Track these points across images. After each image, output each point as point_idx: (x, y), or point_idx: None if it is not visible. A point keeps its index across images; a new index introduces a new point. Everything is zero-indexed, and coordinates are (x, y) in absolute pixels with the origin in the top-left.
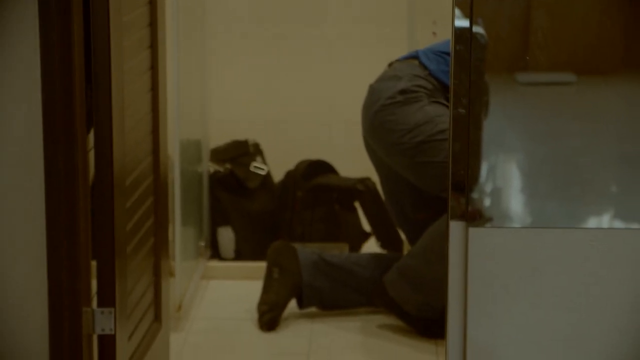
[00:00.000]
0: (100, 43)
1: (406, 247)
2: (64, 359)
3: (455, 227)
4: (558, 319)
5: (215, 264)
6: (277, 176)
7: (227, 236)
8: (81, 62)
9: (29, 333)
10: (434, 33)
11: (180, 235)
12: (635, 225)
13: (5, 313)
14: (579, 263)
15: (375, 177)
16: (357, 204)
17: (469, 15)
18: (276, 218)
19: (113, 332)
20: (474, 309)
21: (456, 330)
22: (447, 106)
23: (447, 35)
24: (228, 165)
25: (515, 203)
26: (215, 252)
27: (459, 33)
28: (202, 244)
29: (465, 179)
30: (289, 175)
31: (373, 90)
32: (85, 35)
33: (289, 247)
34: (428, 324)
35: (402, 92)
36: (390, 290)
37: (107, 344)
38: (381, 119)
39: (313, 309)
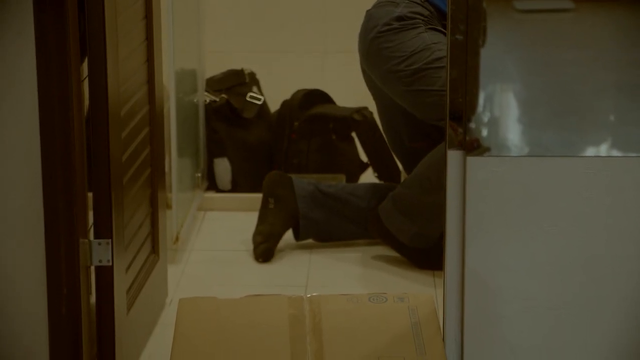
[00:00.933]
0: None
1: (403, 177)
2: (62, 290)
3: (453, 156)
4: (555, 247)
5: (211, 195)
6: (274, 106)
7: (223, 167)
8: None
9: (26, 265)
10: None
11: (177, 166)
12: (632, 154)
13: (1, 247)
14: (576, 191)
15: (372, 107)
16: (354, 134)
17: None
18: (272, 148)
19: (110, 264)
20: (471, 238)
21: (454, 260)
22: (444, 33)
23: None
24: (224, 95)
25: (513, 132)
26: (211, 184)
27: None
28: (199, 175)
29: (463, 107)
30: (285, 105)
31: (370, 16)
32: None
33: (284, 177)
34: (422, 254)
35: (399, 18)
36: (385, 220)
37: (105, 275)
38: (377, 46)
39: (310, 241)
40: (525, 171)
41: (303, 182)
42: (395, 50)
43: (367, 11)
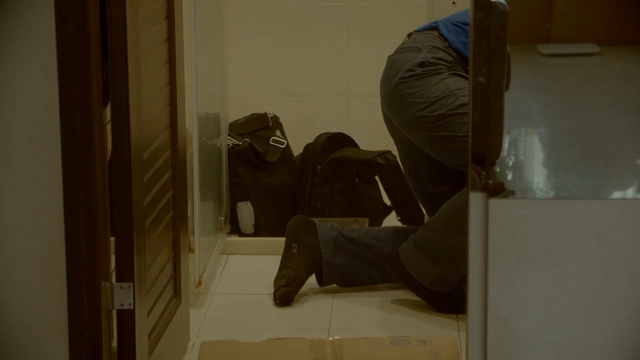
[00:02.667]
0: (116, 15)
1: (426, 221)
2: (83, 334)
3: (476, 199)
4: (579, 290)
5: (234, 239)
6: (297, 150)
7: (246, 211)
8: (97, 35)
9: (48, 309)
10: (454, 3)
11: (200, 210)
12: None
13: (25, 289)
14: (600, 234)
15: (395, 151)
16: (377, 178)
17: None
18: (295, 192)
19: (132, 307)
20: (494, 281)
21: (477, 303)
22: (467, 78)
23: (467, 6)
24: (247, 139)
25: (537, 176)
26: (234, 227)
27: (478, 1)
28: (222, 218)
29: (485, 149)
30: (308, 148)
31: (392, 62)
32: (100, 7)
33: (308, 221)
34: (442, 298)
35: (422, 64)
36: (405, 261)
37: (127, 318)
38: (400, 92)
39: (333, 285)
40: (548, 213)
41: (326, 226)
42: (419, 96)
43: (389, 57)
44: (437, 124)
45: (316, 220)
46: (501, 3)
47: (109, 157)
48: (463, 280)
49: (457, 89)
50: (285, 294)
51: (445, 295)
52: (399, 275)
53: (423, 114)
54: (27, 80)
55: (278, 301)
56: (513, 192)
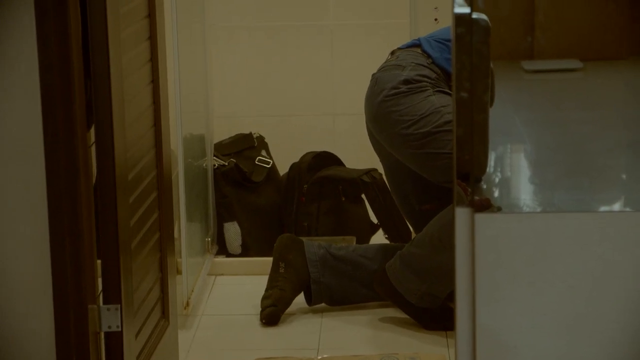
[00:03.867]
0: (98, 36)
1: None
2: (71, 356)
3: (462, 214)
4: (566, 303)
5: (222, 259)
6: (283, 169)
7: (233, 231)
8: (79, 56)
9: (35, 332)
10: (436, 19)
11: (186, 231)
12: None
13: (11, 313)
14: (587, 247)
15: (381, 168)
16: (363, 196)
17: None
18: (282, 212)
19: (120, 329)
20: (482, 297)
21: (465, 318)
22: (451, 95)
23: (449, 22)
24: (233, 159)
25: (523, 191)
26: (222, 248)
27: (459, 17)
28: (209, 239)
29: (470, 165)
30: (294, 167)
31: (376, 80)
32: (82, 28)
33: (295, 240)
34: (429, 314)
35: (406, 81)
36: (392, 278)
37: (114, 341)
38: (385, 110)
39: (322, 304)
40: (534, 227)
41: (314, 245)
42: (404, 114)
43: (373, 75)
44: (423, 141)
45: (304, 239)
46: (483, 19)
47: (94, 178)
48: (450, 296)
49: (442, 106)
50: (271, 314)
51: (433, 312)
52: (386, 292)
53: (408, 132)
54: (10, 103)
55: (264, 321)
56: (499, 208)
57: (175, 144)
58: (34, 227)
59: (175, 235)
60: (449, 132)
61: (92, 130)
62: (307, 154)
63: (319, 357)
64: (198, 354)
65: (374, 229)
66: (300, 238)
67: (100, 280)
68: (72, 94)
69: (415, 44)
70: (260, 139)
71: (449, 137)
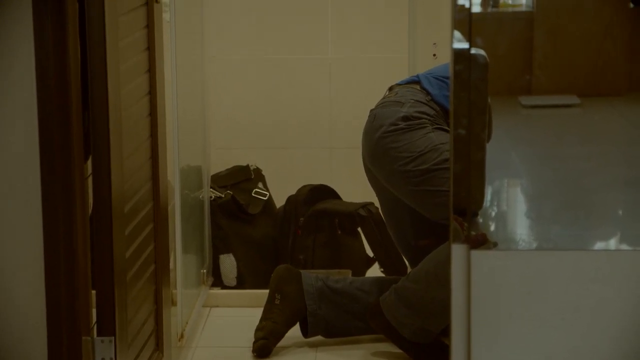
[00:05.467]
0: (97, 67)
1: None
2: None
3: (457, 250)
4: (561, 341)
5: (217, 291)
6: (279, 202)
7: (229, 263)
8: (78, 87)
9: None
10: (435, 55)
11: (182, 262)
12: None
13: (4, 344)
14: (583, 285)
15: (377, 202)
16: (359, 230)
17: (468, 35)
18: (278, 244)
19: None
20: (477, 333)
21: (460, 354)
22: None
23: (447, 59)
24: (229, 191)
25: (519, 226)
26: (217, 280)
27: (458, 53)
28: (204, 271)
29: (466, 201)
30: (291, 200)
31: (375, 116)
32: (81, 59)
33: (293, 271)
34: (422, 349)
35: (405, 118)
36: (386, 311)
37: None
38: (384, 146)
39: (316, 337)
40: (530, 265)
41: (312, 277)
42: (403, 151)
43: (372, 111)
44: (421, 178)
45: (301, 271)
46: (481, 55)
47: (90, 209)
48: (443, 332)
49: (441, 143)
50: (263, 346)
51: (426, 347)
52: (380, 325)
53: (407, 169)
54: (7, 133)
55: (255, 354)
56: (495, 244)
57: (172, 176)
58: (29, 256)
59: (171, 266)
60: (447, 169)
61: (90, 162)
62: (304, 186)
63: None
64: None
65: (369, 262)
66: (298, 270)
67: (94, 311)
68: (70, 124)
69: (414, 81)
70: (257, 171)
71: (447, 175)
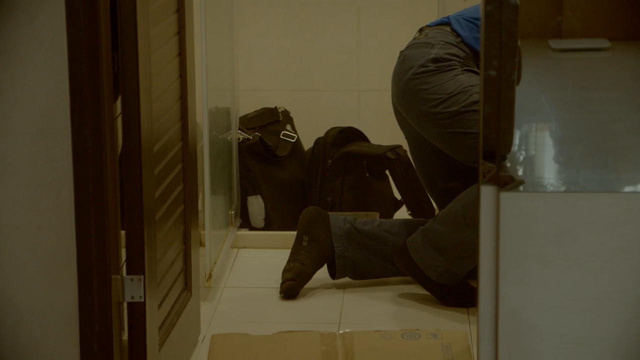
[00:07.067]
0: (127, 9)
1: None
2: (94, 326)
3: (487, 192)
4: (589, 283)
5: (245, 232)
6: (307, 144)
7: (257, 205)
8: (107, 28)
9: (59, 302)
10: None
11: (210, 204)
12: None
13: (35, 283)
14: (611, 227)
15: (406, 146)
16: (387, 172)
17: None
18: (306, 186)
19: (143, 300)
20: (505, 275)
21: (488, 296)
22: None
23: (477, 1)
24: (257, 133)
25: (548, 170)
26: (245, 221)
27: None
28: (232, 212)
29: (496, 143)
30: (319, 142)
31: (404, 58)
32: (110, 1)
33: (321, 213)
34: (448, 290)
35: (435, 60)
36: (413, 253)
37: (137, 311)
38: (413, 88)
39: (344, 279)
40: (559, 207)
41: (339, 219)
42: (432, 93)
43: (401, 52)
44: (450, 120)
45: (329, 213)
46: None
47: (119, 150)
48: (469, 274)
49: (471, 85)
50: (290, 287)
51: (452, 289)
52: (406, 266)
53: (436, 111)
54: (36, 76)
55: (282, 295)
56: (523, 182)
57: (200, 117)
58: (60, 199)
59: (199, 207)
60: (476, 111)
61: (119, 102)
62: (332, 129)
63: (341, 332)
64: (220, 326)
65: (397, 205)
66: (326, 212)
67: (124, 250)
68: (99, 66)
69: (445, 22)
70: (286, 113)
71: (476, 117)
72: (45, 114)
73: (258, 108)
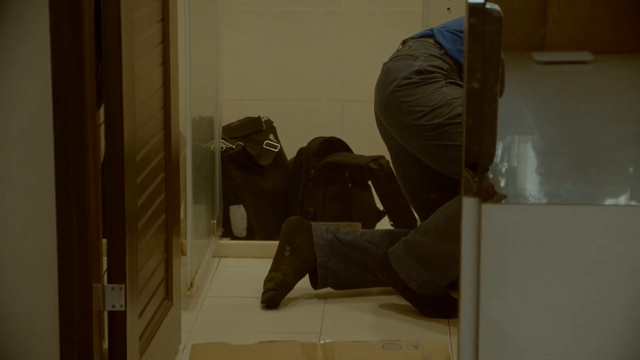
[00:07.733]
0: (111, 16)
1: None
2: (74, 335)
3: (468, 204)
4: (570, 295)
5: (227, 242)
6: (290, 154)
7: (239, 214)
8: (91, 36)
9: (39, 310)
10: (449, 9)
11: (192, 212)
12: None
13: (15, 290)
14: (593, 240)
15: (388, 156)
16: (370, 183)
17: None
18: (288, 196)
19: (124, 309)
20: (486, 286)
21: (469, 308)
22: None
23: (461, 13)
24: (240, 143)
25: (530, 182)
26: (227, 230)
27: (472, 7)
28: (214, 221)
29: (478, 155)
30: (302, 152)
31: (388, 70)
32: (95, 8)
33: (304, 223)
34: (429, 301)
35: (419, 72)
36: (395, 263)
37: (118, 320)
38: (397, 100)
39: (325, 289)
40: (541, 219)
41: (322, 229)
42: (415, 105)
43: (385, 64)
44: (434, 133)
45: (312, 223)
46: (496, 9)
47: (102, 158)
48: (450, 285)
49: (454, 98)
50: (272, 297)
51: (433, 300)
52: (387, 276)
53: (419, 123)
54: (21, 82)
55: (264, 304)
56: (505, 197)
57: (183, 126)
58: (41, 205)
59: (181, 216)
60: (459, 124)
61: (102, 110)
62: (315, 139)
63: (322, 342)
64: (201, 335)
65: (379, 215)
66: (309, 222)
67: (105, 259)
68: (83, 73)
69: (428, 34)
70: (269, 122)
71: (460, 130)
72: (29, 120)
73: (241, 117)
